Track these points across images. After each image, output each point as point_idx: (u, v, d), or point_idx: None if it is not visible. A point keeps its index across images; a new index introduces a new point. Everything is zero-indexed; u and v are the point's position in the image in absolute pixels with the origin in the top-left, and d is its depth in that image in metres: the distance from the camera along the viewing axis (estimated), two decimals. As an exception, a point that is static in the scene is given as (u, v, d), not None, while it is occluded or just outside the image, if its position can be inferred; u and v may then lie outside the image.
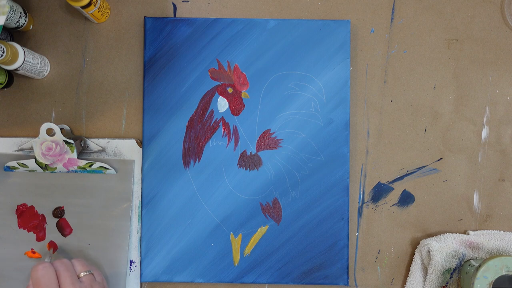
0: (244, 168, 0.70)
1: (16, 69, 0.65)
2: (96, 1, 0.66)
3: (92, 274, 0.62)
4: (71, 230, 0.70)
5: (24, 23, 0.69)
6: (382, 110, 0.72)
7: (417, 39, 0.72)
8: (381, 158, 0.71)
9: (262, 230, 0.70)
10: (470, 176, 0.71)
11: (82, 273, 0.61)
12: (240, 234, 0.70)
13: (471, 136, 0.72)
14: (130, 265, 0.70)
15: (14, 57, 0.63)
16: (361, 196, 0.71)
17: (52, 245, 0.69)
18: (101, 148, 0.70)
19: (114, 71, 0.72)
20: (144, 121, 0.70)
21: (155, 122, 0.70)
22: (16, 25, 0.68)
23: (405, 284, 0.70)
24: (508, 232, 0.69)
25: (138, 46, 0.72)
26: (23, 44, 0.71)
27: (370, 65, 0.72)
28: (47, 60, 0.71)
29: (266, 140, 0.70)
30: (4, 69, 0.68)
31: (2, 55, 0.61)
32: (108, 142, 0.70)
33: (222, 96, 0.70)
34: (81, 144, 0.70)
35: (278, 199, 0.70)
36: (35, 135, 0.71)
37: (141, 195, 0.70)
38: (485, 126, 0.72)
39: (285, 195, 0.70)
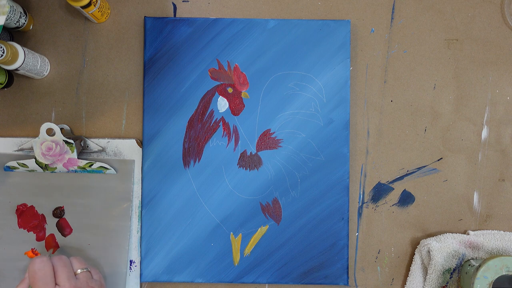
0: (244, 168, 0.70)
1: (16, 69, 0.65)
2: (96, 1, 0.66)
3: (89, 271, 0.62)
4: (71, 230, 0.70)
5: (24, 23, 0.69)
6: (382, 110, 0.72)
7: (417, 39, 0.72)
8: (381, 158, 0.71)
9: (262, 230, 0.70)
10: (470, 176, 0.71)
11: (79, 270, 0.61)
12: (240, 234, 0.70)
13: (471, 136, 0.71)
14: (130, 265, 0.70)
15: (14, 57, 0.63)
16: (361, 196, 0.71)
17: (52, 244, 0.69)
18: (101, 148, 0.70)
19: (114, 71, 0.72)
20: (144, 121, 0.70)
21: (155, 122, 0.70)
22: (16, 25, 0.68)
23: (405, 284, 0.70)
24: (508, 232, 0.69)
25: (138, 46, 0.72)
26: (23, 44, 0.71)
27: (370, 65, 0.72)
28: (47, 60, 0.71)
29: (266, 140, 0.70)
30: (4, 69, 0.68)
31: (2, 55, 0.61)
32: (108, 142, 0.70)
33: (222, 96, 0.70)
34: (81, 144, 0.70)
35: (278, 199, 0.70)
36: (35, 135, 0.71)
37: (141, 195, 0.70)
38: (485, 126, 0.71)
39: (285, 195, 0.70)
